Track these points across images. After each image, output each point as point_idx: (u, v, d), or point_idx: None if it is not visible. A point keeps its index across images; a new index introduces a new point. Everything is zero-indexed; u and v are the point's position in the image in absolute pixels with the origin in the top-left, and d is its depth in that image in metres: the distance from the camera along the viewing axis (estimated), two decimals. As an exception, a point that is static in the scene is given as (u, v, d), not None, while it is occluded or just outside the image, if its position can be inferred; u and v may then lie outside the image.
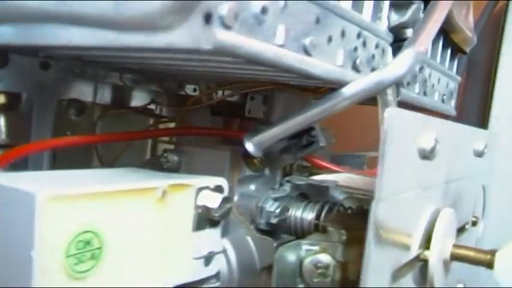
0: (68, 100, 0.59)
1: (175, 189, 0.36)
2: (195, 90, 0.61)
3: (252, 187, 0.45)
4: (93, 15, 0.35)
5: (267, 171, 0.46)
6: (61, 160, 0.57)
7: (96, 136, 0.47)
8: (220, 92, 0.61)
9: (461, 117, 0.82)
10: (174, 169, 0.45)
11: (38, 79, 0.49)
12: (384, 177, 0.30)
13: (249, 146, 0.41)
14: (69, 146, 0.46)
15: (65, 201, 0.30)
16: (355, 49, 0.41)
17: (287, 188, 0.45)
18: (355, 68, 0.41)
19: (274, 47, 0.33)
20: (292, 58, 0.34)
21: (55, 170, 0.36)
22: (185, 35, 0.30)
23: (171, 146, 0.60)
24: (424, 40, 0.38)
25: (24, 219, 0.29)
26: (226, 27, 0.29)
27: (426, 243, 0.39)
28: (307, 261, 0.34)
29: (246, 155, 0.43)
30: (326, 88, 0.48)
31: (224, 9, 0.29)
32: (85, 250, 0.31)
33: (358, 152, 0.57)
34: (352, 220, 0.38)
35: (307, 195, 0.46)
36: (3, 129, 0.47)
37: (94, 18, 0.35)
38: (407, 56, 0.37)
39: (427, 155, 0.36)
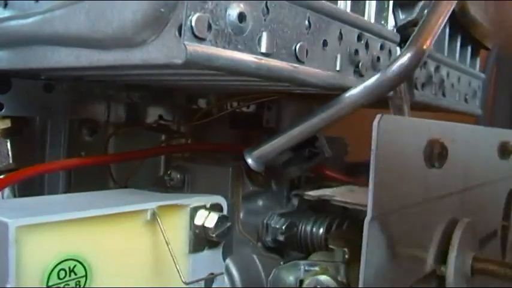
0: (80, 120, 0.59)
1: (167, 210, 0.34)
2: (208, 103, 0.59)
3: (260, 203, 0.43)
4: (73, 34, 0.34)
5: (273, 186, 0.44)
6: (77, 180, 0.57)
7: (100, 157, 0.47)
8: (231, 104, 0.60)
9: (492, 116, 0.77)
10: (178, 187, 0.43)
11: (43, 102, 0.48)
12: (376, 192, 0.27)
13: (250, 161, 0.39)
14: (64, 169, 0.45)
15: (42, 230, 0.29)
16: (356, 52, 0.38)
17: (295, 202, 0.42)
18: (358, 72, 0.39)
19: (257, 56, 0.31)
20: (280, 67, 0.32)
21: (41, 196, 0.35)
22: (159, 50, 0.29)
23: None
24: (427, 37, 0.36)
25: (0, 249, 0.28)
26: (199, 39, 0.28)
27: (443, 257, 0.36)
28: (306, 282, 0.32)
29: (249, 170, 0.41)
30: (334, 95, 0.46)
31: (194, 19, 0.27)
32: (69, 279, 0.30)
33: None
34: (357, 236, 0.35)
35: (317, 209, 0.44)
36: (10, 153, 0.47)
37: (75, 37, 0.34)
38: (408, 56, 0.35)
39: (434, 163, 0.33)
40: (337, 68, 0.37)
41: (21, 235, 0.28)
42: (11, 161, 0.47)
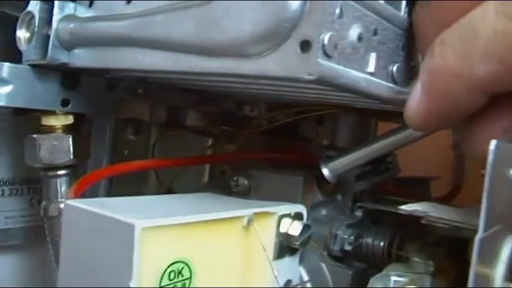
0: (125, 119, 0.60)
1: (259, 217, 0.35)
2: (251, 110, 0.60)
3: (323, 212, 0.45)
4: (176, 40, 0.35)
5: (339, 197, 0.45)
6: (118, 178, 0.57)
7: (168, 160, 0.47)
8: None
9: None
10: (244, 193, 0.44)
11: (104, 100, 0.49)
12: (488, 211, 0.29)
13: (326, 172, 0.40)
14: (140, 170, 0.45)
15: (161, 232, 0.30)
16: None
17: (359, 213, 0.44)
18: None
19: (367, 75, 0.32)
20: (382, 87, 0.34)
21: (137, 196, 0.36)
22: (278, 63, 0.30)
23: (228, 167, 0.60)
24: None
25: (122, 249, 0.29)
26: (328, 56, 0.29)
27: (510, 275, 0.38)
28: (397, 293, 0.34)
29: (320, 180, 0.43)
30: (392, 111, 0.47)
31: (326, 38, 0.28)
32: (176, 280, 0.31)
33: (418, 175, 0.57)
34: (434, 250, 0.37)
35: (378, 221, 0.46)
36: (71, 149, 0.47)
37: (177, 43, 0.34)
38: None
39: (512, 185, 0.35)
40: (419, 89, 0.39)
41: (144, 236, 0.28)
42: (72, 157, 0.47)
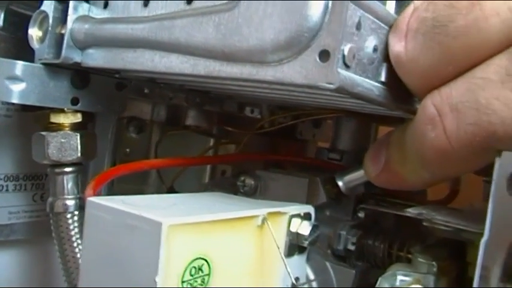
0: (128, 118, 0.60)
1: (272, 216, 0.37)
2: (252, 112, 0.62)
3: (327, 213, 0.46)
4: (196, 44, 0.36)
5: (342, 198, 0.47)
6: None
7: (184, 159, 0.48)
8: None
9: None
10: (251, 194, 0.46)
11: (111, 99, 0.50)
12: (493, 217, 0.31)
13: (341, 184, 0.42)
14: (155, 168, 0.47)
15: (186, 229, 0.31)
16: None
17: (361, 215, 0.46)
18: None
19: (379, 85, 0.34)
20: (393, 95, 0.36)
21: (153, 195, 0.37)
22: (297, 71, 0.31)
23: (228, 167, 0.62)
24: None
25: (148, 246, 0.30)
26: (346, 66, 0.31)
27: (507, 276, 0.40)
28: (403, 292, 0.35)
29: (325, 182, 0.44)
30: (394, 117, 0.49)
31: (346, 49, 0.30)
32: (197, 276, 0.32)
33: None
34: (436, 251, 0.39)
35: (378, 221, 0.47)
36: (79, 147, 0.48)
37: (198, 47, 0.36)
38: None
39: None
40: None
41: (170, 234, 0.30)
42: (79, 155, 0.48)
